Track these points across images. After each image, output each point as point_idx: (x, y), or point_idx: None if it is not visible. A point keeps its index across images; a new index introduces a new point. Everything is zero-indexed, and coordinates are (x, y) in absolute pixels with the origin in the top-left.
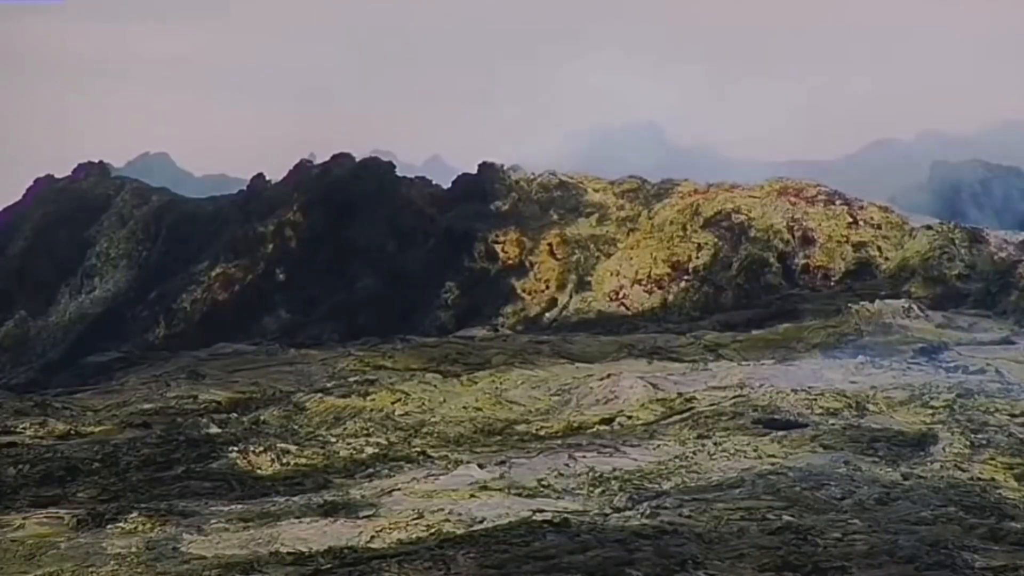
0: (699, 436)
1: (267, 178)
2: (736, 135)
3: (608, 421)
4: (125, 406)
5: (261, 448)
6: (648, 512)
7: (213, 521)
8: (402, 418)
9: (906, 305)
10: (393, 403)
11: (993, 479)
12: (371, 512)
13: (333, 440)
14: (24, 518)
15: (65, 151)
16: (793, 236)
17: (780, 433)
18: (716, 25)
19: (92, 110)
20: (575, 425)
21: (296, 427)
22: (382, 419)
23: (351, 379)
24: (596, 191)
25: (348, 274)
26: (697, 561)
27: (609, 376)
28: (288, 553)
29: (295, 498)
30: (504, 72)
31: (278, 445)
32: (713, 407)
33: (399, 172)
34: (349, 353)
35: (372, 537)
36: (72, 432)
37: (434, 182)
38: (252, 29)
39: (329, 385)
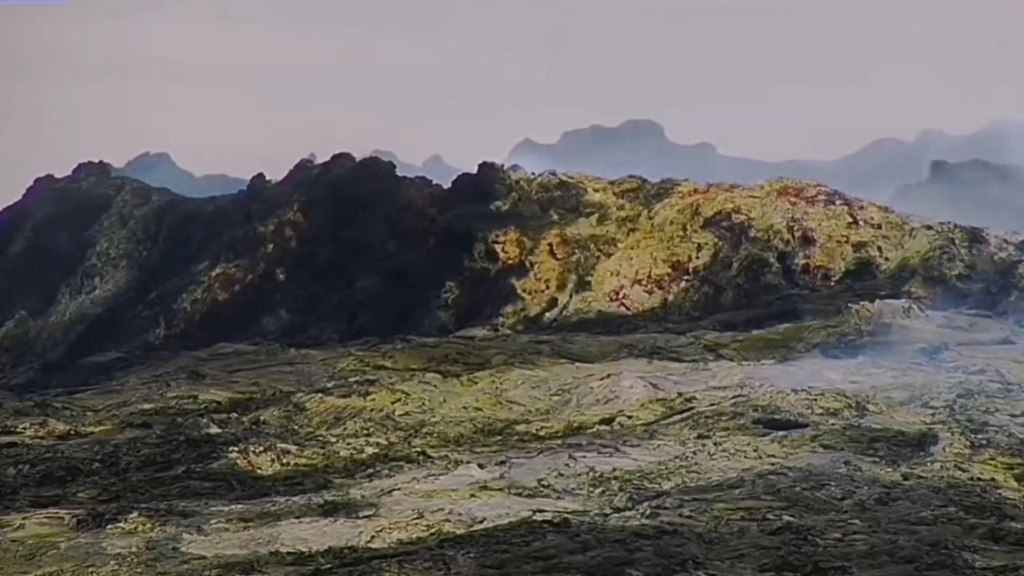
0: (699, 436)
1: (267, 178)
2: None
3: (608, 421)
4: (125, 406)
5: (261, 448)
6: (648, 512)
7: (213, 521)
8: (402, 418)
9: (906, 305)
10: (393, 403)
11: (993, 479)
12: (371, 512)
13: (333, 440)
14: (24, 518)
15: (65, 151)
16: (793, 236)
17: (780, 433)
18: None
19: (93, 110)
20: (575, 425)
21: (296, 427)
22: (382, 419)
23: (351, 379)
24: (596, 191)
25: (348, 274)
26: (697, 561)
27: (609, 376)
28: (288, 553)
29: (295, 498)
30: None
31: (278, 445)
32: (713, 407)
33: (399, 172)
34: (349, 353)
35: (372, 537)
36: (72, 432)
37: (434, 182)
38: (252, 28)
39: (329, 385)
